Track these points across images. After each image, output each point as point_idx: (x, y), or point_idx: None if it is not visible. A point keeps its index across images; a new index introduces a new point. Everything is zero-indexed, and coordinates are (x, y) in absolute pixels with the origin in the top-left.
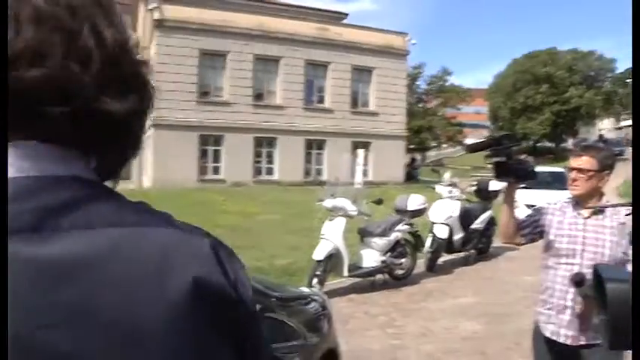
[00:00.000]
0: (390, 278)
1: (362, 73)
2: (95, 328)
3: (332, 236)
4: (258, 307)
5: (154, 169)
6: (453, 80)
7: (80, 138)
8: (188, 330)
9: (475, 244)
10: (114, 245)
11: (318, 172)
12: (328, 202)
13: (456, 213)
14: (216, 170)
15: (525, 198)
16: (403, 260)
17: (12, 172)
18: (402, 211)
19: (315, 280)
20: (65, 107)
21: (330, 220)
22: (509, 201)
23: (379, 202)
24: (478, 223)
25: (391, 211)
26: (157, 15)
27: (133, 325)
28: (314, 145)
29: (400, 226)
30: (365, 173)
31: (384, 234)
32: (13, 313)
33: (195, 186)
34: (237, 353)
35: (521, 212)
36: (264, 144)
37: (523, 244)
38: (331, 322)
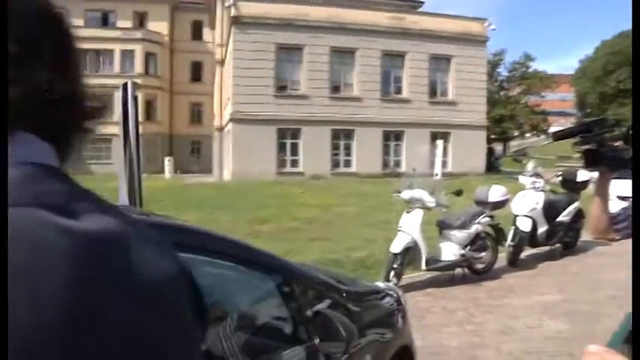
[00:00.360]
0: (470, 272)
1: (440, 62)
2: (137, 296)
3: (409, 229)
4: (328, 302)
5: (234, 163)
6: (536, 66)
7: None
8: (176, 294)
9: (561, 237)
10: (124, 226)
11: (397, 164)
12: (406, 194)
13: (540, 205)
14: (294, 163)
15: (619, 189)
16: (483, 254)
17: (23, 157)
18: (482, 203)
19: (392, 274)
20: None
21: (408, 212)
22: (602, 192)
23: (459, 193)
24: (564, 216)
25: (471, 202)
26: (233, 12)
27: (153, 291)
28: (392, 136)
29: (481, 219)
30: (444, 164)
31: (463, 226)
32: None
33: (274, 179)
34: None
35: (615, 205)
36: (342, 136)
37: (617, 239)
38: (406, 317)
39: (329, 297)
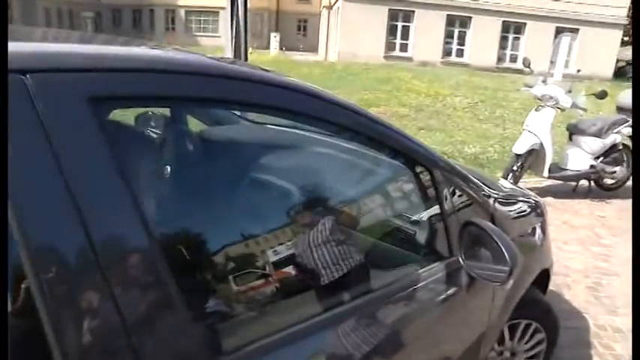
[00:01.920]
0: (596, 187)
1: None
2: None
3: (537, 129)
4: (477, 209)
5: (341, 43)
6: None
7: None
8: None
9: None
10: None
11: (512, 59)
12: (538, 89)
13: None
14: (403, 48)
15: None
16: (617, 168)
17: None
18: (626, 110)
19: (509, 176)
20: None
21: (537, 110)
22: None
23: (602, 95)
24: None
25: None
26: None
27: None
28: (511, 28)
29: (621, 128)
30: (566, 64)
31: (598, 134)
32: None
33: (381, 62)
34: None
35: None
36: (457, 23)
37: None
38: (547, 232)
39: (476, 202)
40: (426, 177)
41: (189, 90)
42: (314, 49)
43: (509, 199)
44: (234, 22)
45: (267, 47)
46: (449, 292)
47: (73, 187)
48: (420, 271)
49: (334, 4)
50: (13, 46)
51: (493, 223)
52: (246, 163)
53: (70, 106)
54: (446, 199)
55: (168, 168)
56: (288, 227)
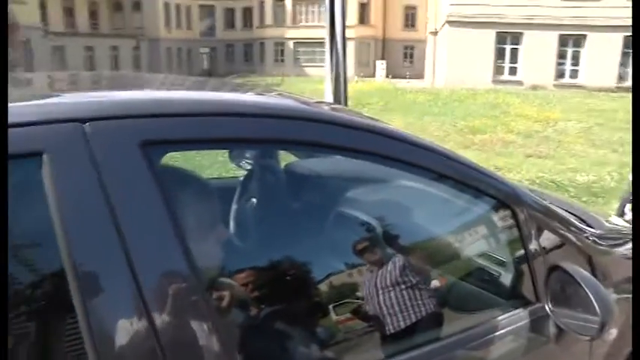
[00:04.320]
0: None
1: None
2: None
3: None
4: (569, 250)
5: (447, 68)
6: None
7: None
8: None
9: None
10: None
11: None
12: None
13: None
14: (512, 71)
15: None
16: None
17: None
18: None
19: (627, 207)
20: None
21: None
22: None
23: None
24: None
25: None
26: None
27: None
28: None
29: None
30: None
31: None
32: None
33: (489, 87)
34: None
35: None
36: (570, 43)
37: None
38: None
39: (570, 242)
40: (509, 216)
41: (242, 131)
42: (421, 75)
43: (616, 239)
44: (334, 51)
45: (374, 75)
46: (534, 342)
47: (126, 230)
48: (501, 317)
49: (440, 29)
50: (74, 97)
51: (592, 266)
52: (325, 197)
53: (123, 151)
54: (532, 239)
55: (254, 200)
56: (364, 266)
